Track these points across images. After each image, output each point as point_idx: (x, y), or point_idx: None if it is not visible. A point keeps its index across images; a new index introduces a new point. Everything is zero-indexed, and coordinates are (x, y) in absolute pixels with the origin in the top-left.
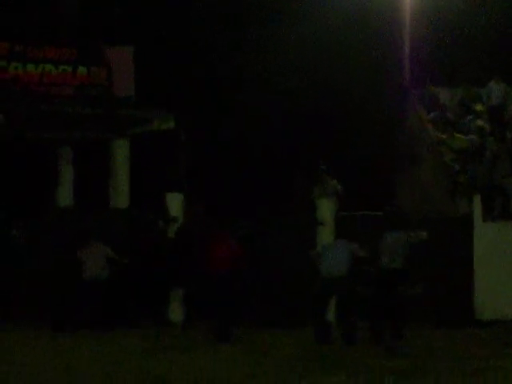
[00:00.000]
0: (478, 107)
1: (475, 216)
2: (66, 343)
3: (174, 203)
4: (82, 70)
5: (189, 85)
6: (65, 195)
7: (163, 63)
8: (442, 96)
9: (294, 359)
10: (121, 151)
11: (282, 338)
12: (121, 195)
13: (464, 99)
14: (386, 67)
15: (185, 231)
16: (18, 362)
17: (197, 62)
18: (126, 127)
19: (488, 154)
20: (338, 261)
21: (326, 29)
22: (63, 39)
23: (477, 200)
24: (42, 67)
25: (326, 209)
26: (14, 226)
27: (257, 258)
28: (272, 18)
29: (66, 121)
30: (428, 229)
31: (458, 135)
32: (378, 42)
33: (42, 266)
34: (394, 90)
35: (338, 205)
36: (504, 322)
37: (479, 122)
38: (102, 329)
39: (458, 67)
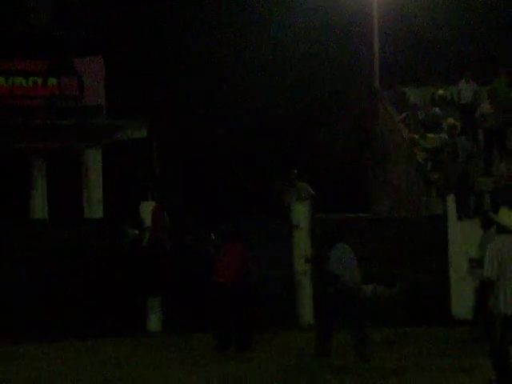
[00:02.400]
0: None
1: (449, 215)
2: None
3: (148, 212)
4: (52, 80)
5: (160, 92)
6: (38, 207)
7: (134, 72)
8: (413, 96)
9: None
10: (93, 161)
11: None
12: (94, 205)
13: (434, 98)
14: (356, 68)
15: (156, 239)
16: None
17: (168, 70)
18: (98, 137)
19: (461, 153)
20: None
21: (297, 30)
22: (34, 51)
23: (450, 199)
24: (12, 80)
25: (301, 212)
26: None
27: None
28: (244, 22)
29: (37, 132)
30: (402, 228)
31: (430, 134)
32: (348, 43)
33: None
34: (365, 91)
35: (312, 208)
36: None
37: (450, 121)
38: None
39: (427, 66)
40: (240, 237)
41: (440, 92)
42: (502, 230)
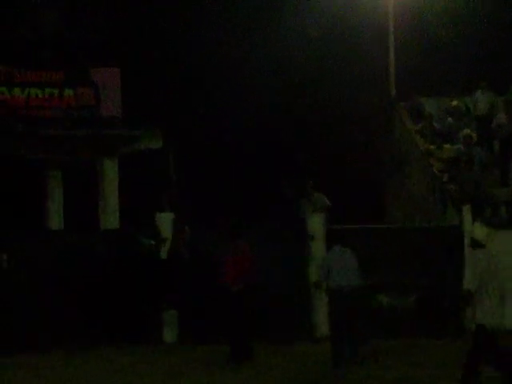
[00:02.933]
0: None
1: (465, 225)
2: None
3: (165, 223)
4: (68, 92)
5: (176, 103)
6: (55, 217)
7: (150, 83)
8: (429, 106)
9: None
10: (109, 171)
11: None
12: (111, 216)
13: (450, 109)
14: (373, 79)
15: (175, 251)
16: None
17: (183, 81)
18: (115, 147)
19: (476, 164)
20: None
21: (313, 40)
22: (49, 62)
23: (466, 209)
24: (28, 91)
25: (317, 223)
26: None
27: None
28: (256, 26)
29: (54, 143)
30: (418, 238)
31: (446, 145)
32: (364, 54)
33: (27, 290)
34: (382, 101)
35: (328, 219)
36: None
37: (466, 132)
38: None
39: (444, 77)
40: (242, 236)
41: (454, 103)
42: (476, 244)
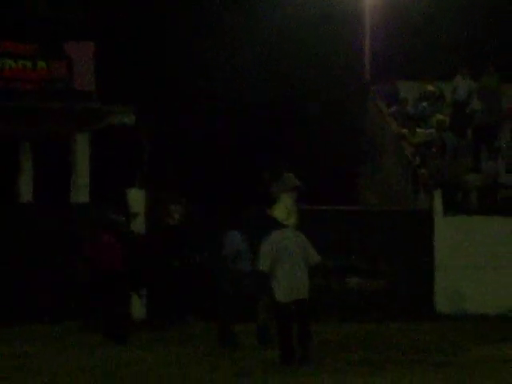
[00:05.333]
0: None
1: (436, 210)
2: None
3: (135, 199)
4: (41, 64)
5: (150, 79)
6: (25, 191)
7: (123, 58)
8: (404, 90)
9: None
10: (81, 146)
11: None
12: (81, 191)
13: (425, 93)
14: (347, 62)
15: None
16: None
17: (157, 56)
18: (87, 122)
19: (448, 149)
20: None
21: (286, 23)
22: (24, 33)
23: (437, 194)
24: (1, 62)
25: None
26: None
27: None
28: (230, 9)
29: (25, 116)
30: (389, 221)
31: (419, 129)
32: (338, 37)
33: None
34: (355, 84)
35: (297, 199)
36: (465, 315)
37: (439, 117)
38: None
39: (419, 61)
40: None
41: (429, 88)
42: (278, 224)
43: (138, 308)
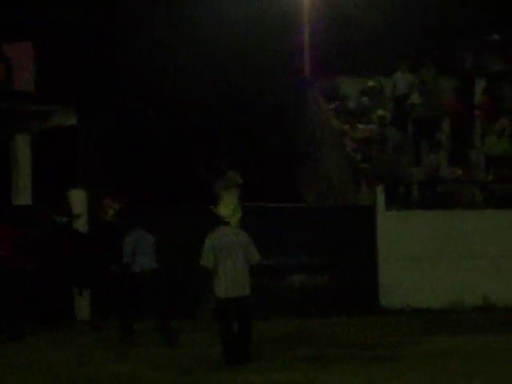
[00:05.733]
0: (370, 83)
1: (378, 205)
2: None
3: (77, 200)
4: None
5: (91, 79)
6: None
7: (64, 58)
8: (344, 86)
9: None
10: (22, 147)
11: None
12: (23, 192)
13: (366, 89)
14: (287, 58)
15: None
16: None
17: (99, 56)
18: (28, 123)
19: (390, 144)
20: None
21: (224, 19)
22: None
23: (380, 189)
24: None
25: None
26: None
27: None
28: (171, 6)
29: None
30: (331, 217)
31: (360, 125)
32: (278, 33)
33: None
34: (296, 80)
35: (240, 196)
36: (408, 309)
37: (380, 112)
38: None
39: (359, 57)
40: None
41: (370, 83)
42: (221, 221)
43: (82, 308)
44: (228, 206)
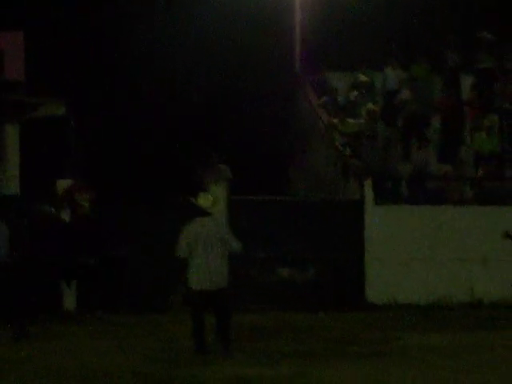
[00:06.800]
0: (362, 77)
1: (366, 200)
2: None
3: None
4: None
5: (80, 70)
6: None
7: (54, 48)
8: (334, 81)
9: None
10: (11, 137)
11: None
12: (11, 182)
13: (357, 83)
14: (277, 52)
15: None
16: None
17: (89, 47)
18: (16, 113)
19: (379, 139)
20: None
21: (218, 13)
22: None
23: (368, 184)
24: None
25: (218, 194)
26: None
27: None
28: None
29: None
30: (319, 211)
31: (349, 120)
32: (268, 28)
33: None
34: (285, 75)
35: (229, 190)
36: (395, 305)
37: (370, 106)
38: None
39: (349, 51)
40: None
41: (362, 78)
42: (200, 212)
43: (68, 299)
44: (207, 197)
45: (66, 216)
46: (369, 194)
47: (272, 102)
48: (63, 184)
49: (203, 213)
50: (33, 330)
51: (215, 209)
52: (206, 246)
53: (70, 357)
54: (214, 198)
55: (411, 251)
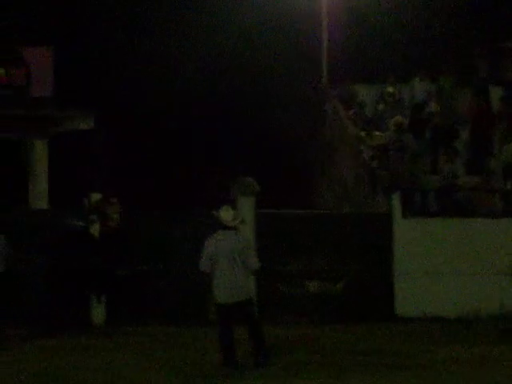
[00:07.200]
0: (390, 89)
1: (395, 213)
2: None
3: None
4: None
5: (109, 84)
6: None
7: (82, 63)
8: (362, 93)
9: None
10: (39, 151)
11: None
12: (40, 196)
13: (384, 96)
14: (305, 65)
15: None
16: None
17: (117, 61)
18: (45, 127)
19: (407, 151)
20: None
21: (245, 27)
22: None
23: (396, 197)
24: None
25: (246, 207)
26: None
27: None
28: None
29: None
30: (348, 224)
31: (377, 132)
32: (296, 41)
33: None
34: (313, 88)
35: (256, 203)
36: (424, 318)
37: (397, 119)
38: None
39: (377, 64)
40: None
41: (390, 89)
42: (221, 225)
43: (97, 312)
44: (228, 210)
45: (95, 229)
46: (397, 206)
47: (299, 116)
48: (94, 197)
49: (225, 226)
50: (62, 344)
51: (235, 223)
52: (227, 259)
53: (99, 370)
54: (234, 212)
55: (440, 264)
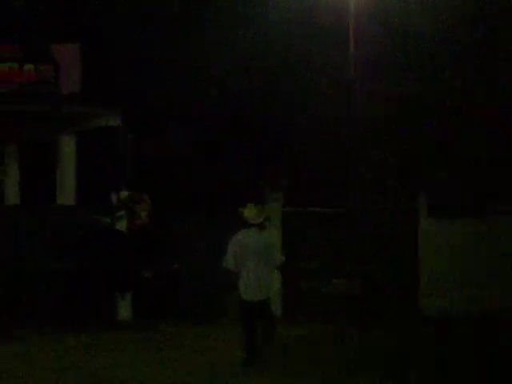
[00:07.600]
0: None
1: (420, 211)
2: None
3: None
4: (28, 67)
5: (136, 81)
6: (11, 193)
7: (110, 60)
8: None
9: None
10: (67, 148)
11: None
12: (67, 193)
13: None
14: (332, 66)
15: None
16: None
17: (144, 59)
18: (73, 124)
19: None
20: None
21: (270, 28)
22: (10, 36)
23: (422, 195)
24: None
25: (274, 206)
26: None
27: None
28: (216, 9)
29: (11, 118)
30: (373, 222)
31: None
32: (323, 41)
33: None
34: (341, 88)
35: (284, 200)
36: (449, 318)
37: None
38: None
39: (400, 61)
40: None
41: None
42: (246, 223)
43: (124, 308)
44: (251, 208)
45: (121, 226)
46: (422, 204)
47: (328, 115)
48: (123, 194)
49: (249, 224)
50: (86, 340)
51: (259, 220)
52: (252, 256)
53: (120, 368)
54: (257, 210)
55: (465, 263)
